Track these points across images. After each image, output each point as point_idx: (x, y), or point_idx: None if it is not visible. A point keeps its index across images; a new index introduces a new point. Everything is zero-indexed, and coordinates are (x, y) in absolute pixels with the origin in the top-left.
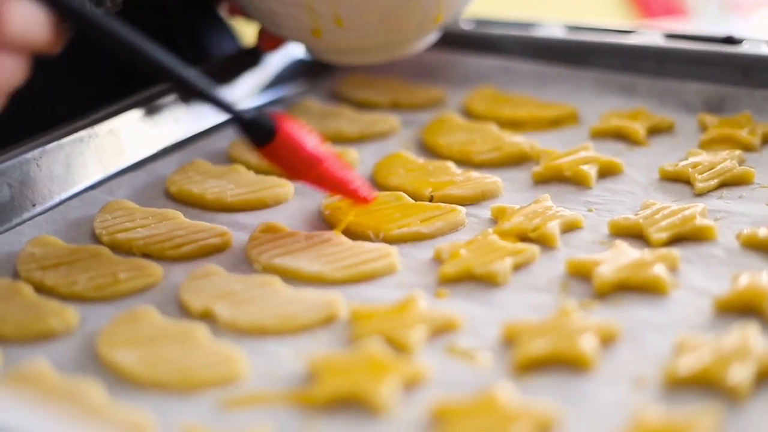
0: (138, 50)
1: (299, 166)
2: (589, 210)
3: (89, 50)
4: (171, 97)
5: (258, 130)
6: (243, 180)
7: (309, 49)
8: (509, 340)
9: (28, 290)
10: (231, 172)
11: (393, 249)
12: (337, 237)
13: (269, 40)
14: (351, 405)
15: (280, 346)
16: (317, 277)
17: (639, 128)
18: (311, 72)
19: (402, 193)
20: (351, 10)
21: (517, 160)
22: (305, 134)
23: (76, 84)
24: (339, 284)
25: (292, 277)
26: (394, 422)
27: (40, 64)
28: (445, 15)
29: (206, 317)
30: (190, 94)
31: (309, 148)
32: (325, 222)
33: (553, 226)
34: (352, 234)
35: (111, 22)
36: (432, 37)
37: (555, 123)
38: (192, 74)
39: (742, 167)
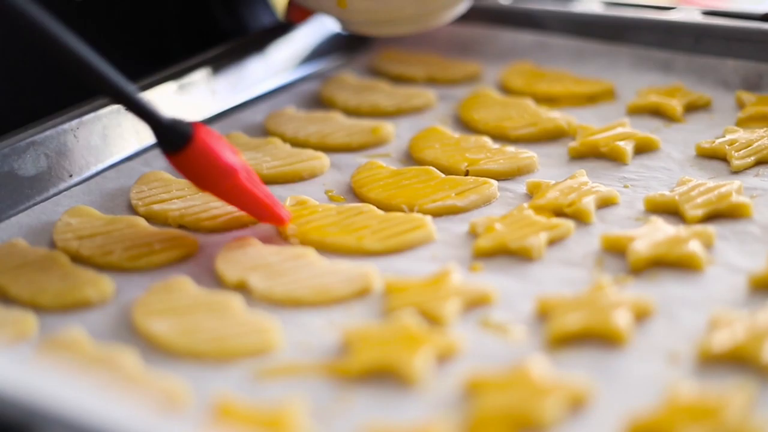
0: (51, 39)
1: (212, 177)
2: (625, 186)
3: (124, 22)
4: (207, 70)
5: (172, 135)
6: (279, 153)
7: (338, 20)
8: (543, 315)
9: (64, 260)
10: (267, 145)
11: (427, 218)
12: (370, 209)
13: (298, 12)
14: (384, 377)
15: (314, 317)
16: (348, 248)
17: (676, 105)
18: (348, 46)
19: (432, 168)
20: None
21: (554, 136)
22: (222, 145)
23: (111, 55)
24: (373, 256)
25: (323, 249)
26: (427, 394)
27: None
28: None
29: (241, 288)
30: (101, 89)
31: (225, 158)
32: (356, 195)
33: (589, 202)
34: (386, 209)
35: None
36: (462, 7)
37: (592, 99)
38: (109, 71)
39: None
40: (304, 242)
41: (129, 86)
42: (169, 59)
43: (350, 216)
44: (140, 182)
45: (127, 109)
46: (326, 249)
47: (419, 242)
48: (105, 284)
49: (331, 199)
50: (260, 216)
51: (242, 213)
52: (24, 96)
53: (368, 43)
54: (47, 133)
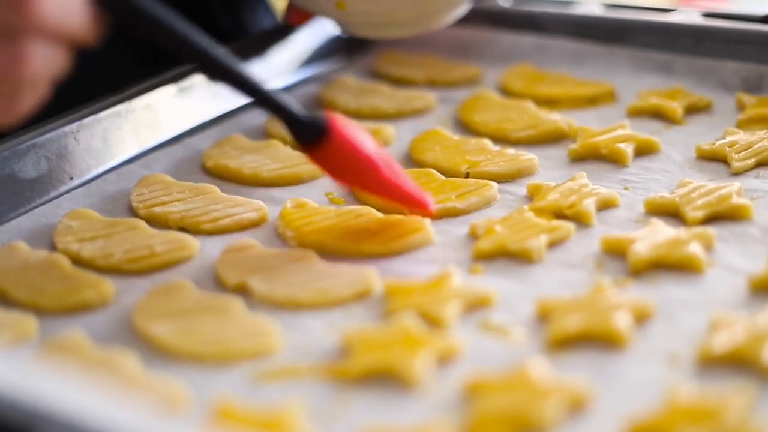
0: (192, 46)
1: (352, 172)
2: (625, 188)
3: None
4: None
5: (307, 130)
6: (279, 155)
7: (338, 23)
8: (543, 317)
9: (65, 262)
10: (267, 147)
11: (426, 221)
12: (369, 212)
13: (298, 14)
14: (384, 379)
15: (314, 319)
16: (348, 251)
17: (676, 107)
18: (348, 49)
19: (432, 170)
20: None
21: (554, 138)
22: (361, 137)
23: (112, 57)
24: (373, 258)
25: (323, 252)
26: (427, 396)
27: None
28: None
29: (241, 291)
30: (235, 85)
31: (364, 152)
32: (356, 198)
33: (589, 204)
34: (387, 211)
35: (164, 15)
36: (462, 9)
37: (592, 101)
38: (242, 69)
39: None
40: (304, 245)
41: (262, 83)
42: (169, 61)
43: (350, 218)
44: (141, 185)
45: (260, 107)
46: (326, 251)
47: (418, 245)
48: (105, 287)
49: (332, 201)
50: (404, 205)
51: (243, 216)
52: None
53: (368, 46)
54: (48, 135)
